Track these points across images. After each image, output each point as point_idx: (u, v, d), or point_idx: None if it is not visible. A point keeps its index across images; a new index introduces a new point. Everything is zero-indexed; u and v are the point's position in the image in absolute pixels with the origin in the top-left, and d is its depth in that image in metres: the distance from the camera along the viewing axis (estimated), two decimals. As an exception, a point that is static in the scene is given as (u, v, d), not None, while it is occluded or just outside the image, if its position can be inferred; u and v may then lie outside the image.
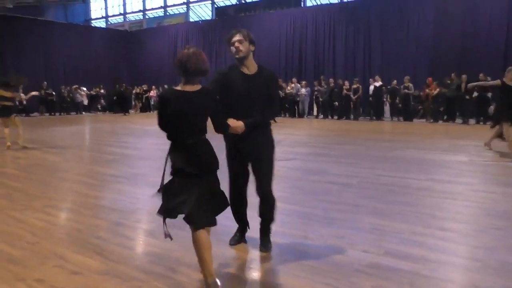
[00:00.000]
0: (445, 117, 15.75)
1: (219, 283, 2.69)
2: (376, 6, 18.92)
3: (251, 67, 3.29)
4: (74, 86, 22.82)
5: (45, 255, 3.42)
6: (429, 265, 3.13)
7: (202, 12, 28.54)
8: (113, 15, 32.87)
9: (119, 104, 22.94)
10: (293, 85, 19.09)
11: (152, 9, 30.75)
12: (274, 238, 3.57)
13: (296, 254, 3.39)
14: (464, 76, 14.71)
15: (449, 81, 15.39)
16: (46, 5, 29.97)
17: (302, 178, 6.39)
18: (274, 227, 3.56)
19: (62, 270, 3.12)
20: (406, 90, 16.40)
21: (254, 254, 3.44)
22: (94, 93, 24.03)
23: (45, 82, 21.69)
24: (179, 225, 2.94)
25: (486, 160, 7.69)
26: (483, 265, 3.17)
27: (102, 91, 24.30)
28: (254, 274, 3.17)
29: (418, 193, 5.27)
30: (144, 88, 24.40)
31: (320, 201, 4.95)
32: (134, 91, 24.75)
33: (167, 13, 29.86)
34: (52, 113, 21.88)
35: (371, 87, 17.18)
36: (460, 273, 3.06)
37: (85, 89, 23.39)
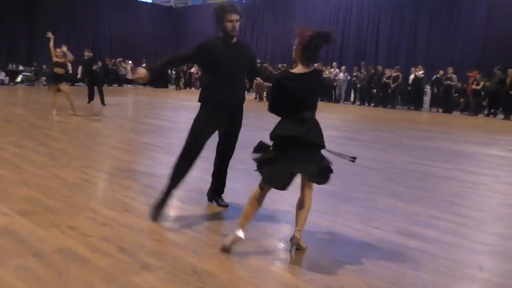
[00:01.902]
0: (486, 111, 15.27)
1: (241, 235, 2.86)
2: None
3: (233, 39, 3.50)
4: (119, 59, 23.51)
5: (79, 207, 3.74)
6: (437, 245, 3.22)
7: (247, -9, 28.51)
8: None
9: (160, 79, 23.48)
10: (332, 69, 18.94)
11: (198, -14, 30.96)
12: (292, 208, 3.72)
13: (310, 226, 3.55)
14: (510, 70, 14.15)
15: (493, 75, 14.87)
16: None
17: (331, 159, 6.47)
18: (292, 200, 3.70)
19: (93, 221, 3.42)
20: (449, 82, 15.96)
21: (265, 222, 3.62)
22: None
23: (91, 54, 22.40)
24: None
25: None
26: (491, 249, 3.23)
27: (143, 65, 24.85)
28: (269, 240, 3.35)
29: (441, 181, 5.28)
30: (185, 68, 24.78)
31: (343, 181, 5.05)
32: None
33: (212, -9, 30.03)
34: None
35: (411, 76, 16.82)
36: (467, 254, 3.13)
37: (130, 62, 24.04)
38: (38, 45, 22.74)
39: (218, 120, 3.55)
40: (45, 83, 20.20)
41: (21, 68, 21.97)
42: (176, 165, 3.52)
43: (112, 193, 4.26)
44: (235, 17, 3.35)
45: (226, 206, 3.88)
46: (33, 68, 22.16)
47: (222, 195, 3.96)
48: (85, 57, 13.18)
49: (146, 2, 31.12)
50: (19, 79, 21.14)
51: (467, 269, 2.88)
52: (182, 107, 13.82)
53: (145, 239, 3.13)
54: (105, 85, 22.89)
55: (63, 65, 9.96)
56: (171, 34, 28.42)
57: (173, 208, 3.85)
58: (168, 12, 29.34)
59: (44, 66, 21.82)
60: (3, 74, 20.74)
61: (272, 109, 2.91)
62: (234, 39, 3.49)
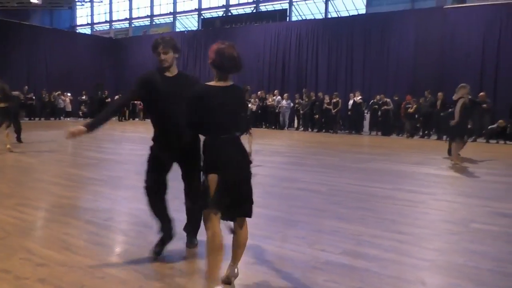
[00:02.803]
0: (420, 133, 16.21)
1: None
2: (359, 24, 19.46)
3: (173, 72, 3.37)
4: (58, 92, 22.72)
5: (13, 248, 3.51)
6: (381, 263, 3.32)
7: (188, 23, 28.85)
8: (99, 22, 32.97)
9: (100, 110, 22.84)
10: (274, 97, 19.39)
11: (139, 18, 30.95)
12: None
13: (257, 251, 3.55)
14: (440, 94, 15.17)
15: (424, 98, 15.91)
16: (32, 10, 29.89)
17: (274, 184, 6.57)
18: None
19: (28, 262, 3.22)
20: (385, 106, 16.82)
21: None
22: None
23: (26, 86, 21.52)
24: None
25: (455, 173, 7.99)
26: (432, 264, 3.38)
27: (84, 97, 24.16)
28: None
29: (382, 201, 5.49)
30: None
31: (288, 206, 5.13)
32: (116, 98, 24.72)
33: (154, 23, 30.07)
34: (32, 118, 21.68)
35: (351, 102, 17.59)
36: (409, 270, 3.25)
37: (69, 94, 23.30)
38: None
39: (166, 158, 3.40)
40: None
41: None
42: (148, 205, 3.43)
43: (50, 231, 4.04)
44: (162, 49, 3.25)
45: (194, 246, 3.62)
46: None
47: (197, 231, 3.61)
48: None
49: (84, 34, 30.59)
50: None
51: (410, 285, 2.98)
52: (125, 139, 13.50)
53: (87, 277, 2.98)
54: (42, 118, 22.08)
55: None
56: (110, 65, 27.94)
57: (118, 243, 3.71)
58: (109, 43, 28.90)
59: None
60: None
61: (191, 125, 2.87)
62: (173, 72, 3.35)
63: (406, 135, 16.29)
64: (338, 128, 18.10)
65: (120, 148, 11.36)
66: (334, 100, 17.70)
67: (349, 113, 17.81)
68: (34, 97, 21.91)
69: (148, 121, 3.62)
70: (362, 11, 22.54)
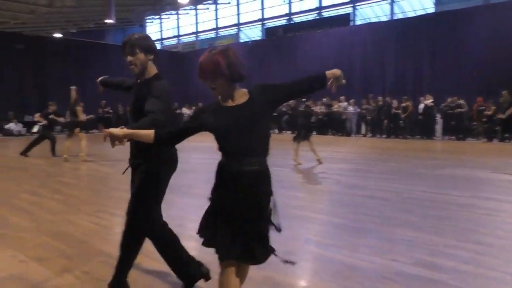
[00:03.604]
0: (499, 137, 15.14)
1: None
2: (426, 24, 18.65)
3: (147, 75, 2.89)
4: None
5: (92, 252, 3.73)
6: (459, 276, 3.12)
7: (252, 33, 29.32)
8: (168, 38, 34.47)
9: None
10: (340, 103, 19.08)
11: (204, 31, 31.98)
12: (306, 245, 3.67)
13: (324, 260, 3.49)
14: (519, 94, 14.12)
15: (501, 100, 14.85)
16: (106, 29, 31.99)
17: (342, 192, 6.44)
18: (308, 235, 3.61)
19: (106, 265, 3.40)
20: (459, 109, 15.93)
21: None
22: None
23: (104, 101, 23.01)
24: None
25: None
26: (516, 278, 3.12)
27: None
28: (281, 276, 3.29)
29: (457, 209, 5.17)
30: (193, 108, 25.24)
31: (356, 214, 5.00)
32: (182, 111, 25.62)
33: (218, 35, 30.93)
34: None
35: (421, 106, 16.85)
36: (491, 285, 3.02)
37: None
38: (50, 95, 23.42)
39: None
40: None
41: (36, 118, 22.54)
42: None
43: (126, 236, 4.24)
44: (126, 58, 2.84)
45: None
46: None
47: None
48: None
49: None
50: (35, 129, 21.64)
51: (491, 299, 2.78)
52: (195, 149, 13.92)
53: (158, 281, 3.09)
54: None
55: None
56: (178, 78, 29.04)
57: (189, 249, 3.82)
58: (176, 57, 30.11)
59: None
60: (20, 125, 21.29)
61: None
62: (142, 78, 2.88)
63: (483, 139, 15.28)
64: (408, 133, 17.40)
65: (188, 157, 11.73)
66: (404, 105, 17.07)
67: (420, 117, 17.06)
68: (111, 110, 23.34)
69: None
70: (430, 10, 21.61)
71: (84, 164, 9.75)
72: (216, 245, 2.13)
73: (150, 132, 2.23)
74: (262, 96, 2.16)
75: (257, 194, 2.13)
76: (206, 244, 2.19)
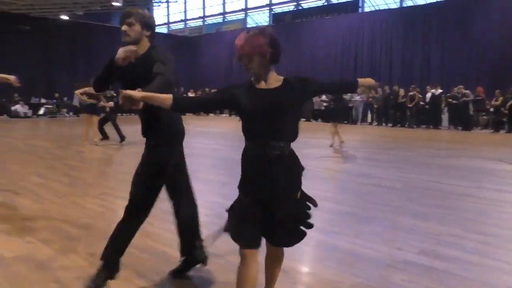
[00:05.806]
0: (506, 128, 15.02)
1: None
2: (435, 11, 18.40)
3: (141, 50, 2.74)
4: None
5: (98, 234, 3.76)
6: (462, 265, 3.13)
7: (259, 19, 29.08)
8: (175, 22, 34.26)
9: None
10: (347, 91, 18.98)
11: (212, 15, 31.74)
12: (311, 231, 3.67)
13: (329, 247, 3.50)
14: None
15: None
16: (113, 12, 31.79)
17: (348, 180, 6.44)
18: (313, 221, 3.58)
19: (112, 248, 3.43)
20: (464, 98, 15.80)
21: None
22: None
23: (110, 86, 22.96)
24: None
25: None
26: (520, 269, 3.12)
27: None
28: (285, 262, 3.30)
29: (462, 199, 5.16)
30: (199, 93, 25.22)
31: (362, 202, 5.00)
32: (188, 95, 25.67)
33: (226, 20, 30.70)
34: (121, 114, 22.98)
35: (428, 95, 16.71)
36: (494, 274, 3.02)
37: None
38: (56, 77, 23.44)
39: None
40: (68, 114, 20.80)
41: (43, 101, 22.62)
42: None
43: (131, 219, 4.27)
44: (122, 27, 2.74)
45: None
46: (54, 100, 22.80)
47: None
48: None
49: (161, 33, 31.92)
50: (41, 111, 21.74)
51: (495, 290, 2.78)
52: (198, 134, 13.93)
53: (165, 264, 3.12)
54: (132, 114, 23.45)
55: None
56: (184, 62, 28.97)
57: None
58: (183, 41, 29.98)
59: (65, 98, 22.41)
60: (26, 107, 21.37)
61: None
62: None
63: (490, 130, 15.17)
64: (414, 122, 17.30)
65: (194, 142, 11.74)
66: (411, 93, 16.94)
67: (426, 106, 16.93)
68: (115, 94, 23.32)
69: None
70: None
71: (90, 147, 9.79)
72: (238, 235, 2.13)
73: (168, 97, 2.15)
74: (301, 86, 2.15)
75: (283, 178, 2.11)
76: (231, 235, 2.18)
